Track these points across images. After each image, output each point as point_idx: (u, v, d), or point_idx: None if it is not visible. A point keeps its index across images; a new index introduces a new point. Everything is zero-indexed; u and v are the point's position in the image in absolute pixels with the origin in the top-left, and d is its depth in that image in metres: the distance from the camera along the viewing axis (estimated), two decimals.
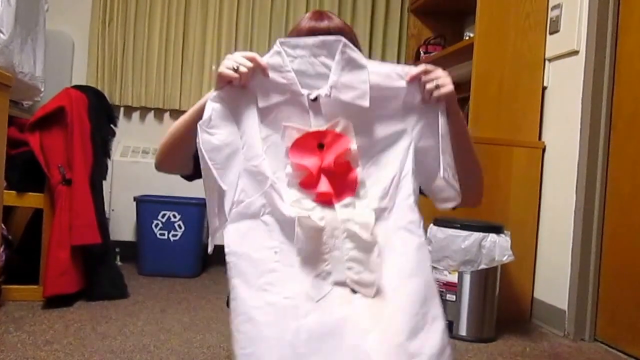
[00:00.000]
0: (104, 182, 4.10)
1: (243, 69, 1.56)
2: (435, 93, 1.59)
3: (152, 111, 5.45)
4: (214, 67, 5.33)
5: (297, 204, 1.54)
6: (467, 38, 4.60)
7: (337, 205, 1.54)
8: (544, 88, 4.08)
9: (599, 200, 3.63)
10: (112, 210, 4.98)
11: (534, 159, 4.01)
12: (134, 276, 4.53)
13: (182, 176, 2.00)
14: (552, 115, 4.03)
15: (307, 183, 1.56)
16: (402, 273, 1.52)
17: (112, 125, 4.24)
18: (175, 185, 4.78)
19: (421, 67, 1.60)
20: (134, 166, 5.02)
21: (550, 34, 4.04)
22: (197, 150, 1.56)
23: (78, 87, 4.01)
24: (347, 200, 1.55)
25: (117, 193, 5.00)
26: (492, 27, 4.05)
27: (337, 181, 1.55)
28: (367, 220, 1.52)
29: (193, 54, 5.37)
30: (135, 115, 5.43)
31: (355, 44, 1.72)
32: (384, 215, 1.56)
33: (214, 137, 1.54)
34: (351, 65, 1.56)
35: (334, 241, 1.51)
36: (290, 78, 1.56)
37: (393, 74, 1.60)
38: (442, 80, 1.60)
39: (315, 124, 1.57)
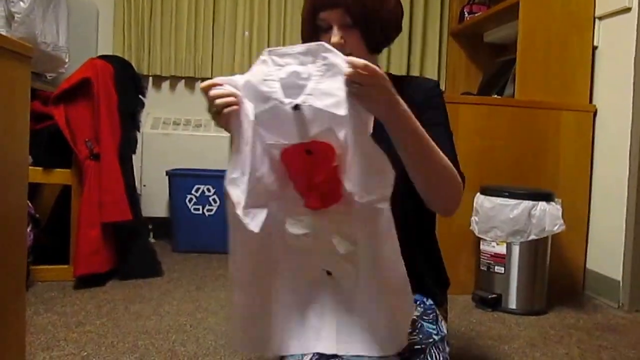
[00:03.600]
0: (133, 156, 4.02)
1: (229, 109, 1.49)
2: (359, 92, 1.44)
3: (183, 80, 5.30)
4: (246, 33, 5.19)
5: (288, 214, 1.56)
6: None
7: (324, 213, 1.53)
8: (594, 48, 3.94)
9: None
10: (144, 185, 4.90)
11: (585, 123, 3.88)
12: (168, 253, 4.49)
13: None
14: (603, 76, 3.89)
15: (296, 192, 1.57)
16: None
17: (140, 96, 4.14)
18: (208, 158, 4.77)
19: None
20: (164, 139, 4.93)
21: None
22: None
23: (104, 57, 3.92)
24: (335, 207, 1.53)
25: (148, 167, 4.90)
26: None
27: (325, 193, 1.53)
28: (350, 231, 1.53)
29: (224, 18, 5.20)
30: (165, 84, 5.30)
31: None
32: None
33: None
34: (332, 71, 1.45)
35: (323, 246, 1.55)
36: (274, 87, 1.49)
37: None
38: (371, 80, 1.42)
39: (300, 133, 1.49)
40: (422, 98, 1.81)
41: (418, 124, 1.54)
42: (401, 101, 1.48)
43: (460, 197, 1.74)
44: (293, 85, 1.47)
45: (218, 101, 1.48)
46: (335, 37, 1.71)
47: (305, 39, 1.78)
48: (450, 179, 1.68)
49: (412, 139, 1.55)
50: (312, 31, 1.78)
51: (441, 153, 1.62)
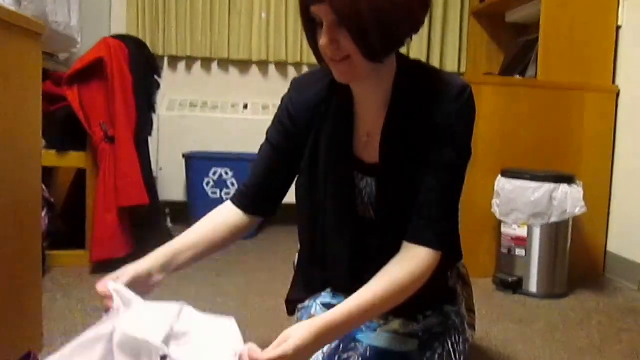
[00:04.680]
0: (149, 138, 3.99)
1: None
2: None
3: (199, 61, 5.26)
4: (263, 15, 5.15)
5: None
6: None
7: None
8: (618, 27, 3.88)
9: None
10: (160, 168, 4.86)
11: (608, 104, 3.83)
12: None
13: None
14: (627, 57, 3.83)
15: None
16: None
17: (156, 77, 4.09)
18: (226, 140, 4.75)
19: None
20: (181, 121, 4.90)
21: None
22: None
23: (117, 37, 3.86)
24: None
25: (165, 150, 4.87)
26: None
27: None
28: None
29: None
30: (181, 65, 5.26)
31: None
32: None
33: None
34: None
35: None
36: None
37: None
38: None
39: None
40: (440, 116, 1.58)
41: (353, 320, 1.46)
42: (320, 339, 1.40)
43: (424, 280, 1.56)
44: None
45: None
46: (323, 39, 1.45)
47: (305, 32, 1.58)
48: (411, 289, 1.55)
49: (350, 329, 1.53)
50: (308, 26, 1.54)
51: (390, 293, 1.50)
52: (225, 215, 1.78)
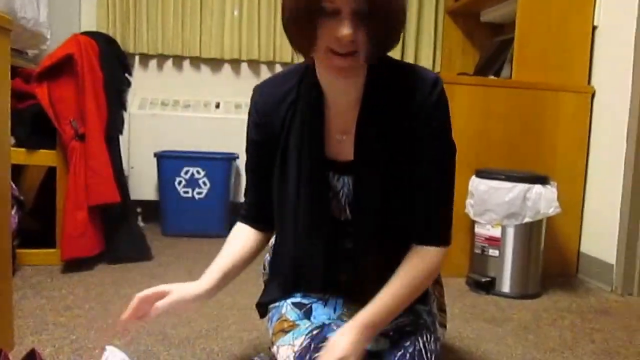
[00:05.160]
0: (120, 137, 3.95)
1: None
2: None
3: (171, 59, 5.23)
4: (236, 12, 5.13)
5: None
6: None
7: None
8: (594, 27, 3.88)
9: None
10: (131, 167, 4.84)
11: (583, 104, 3.83)
12: (157, 237, 4.45)
13: None
14: (603, 57, 3.83)
15: None
16: None
17: (126, 75, 4.06)
18: (198, 139, 4.74)
19: None
20: (153, 119, 4.86)
21: None
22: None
23: (88, 34, 3.83)
24: None
25: (136, 149, 4.84)
26: None
27: None
28: None
29: None
30: (152, 63, 5.22)
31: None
32: None
33: None
34: None
35: None
36: None
37: None
38: None
39: None
40: (416, 111, 1.59)
41: (384, 315, 1.60)
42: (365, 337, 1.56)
43: (437, 272, 1.77)
44: None
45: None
46: (346, 28, 1.39)
47: (297, 26, 1.48)
48: (427, 285, 1.74)
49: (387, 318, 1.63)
50: (309, 15, 1.42)
51: (413, 285, 1.65)
52: (247, 234, 1.88)
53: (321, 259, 1.72)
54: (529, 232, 3.36)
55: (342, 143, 1.66)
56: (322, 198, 1.69)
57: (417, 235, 1.67)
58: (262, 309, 1.91)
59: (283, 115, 1.69)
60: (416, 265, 1.64)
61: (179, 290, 1.72)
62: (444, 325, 1.91)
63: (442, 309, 1.94)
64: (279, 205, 1.76)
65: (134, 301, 1.65)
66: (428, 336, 1.72)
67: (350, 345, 1.49)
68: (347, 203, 1.70)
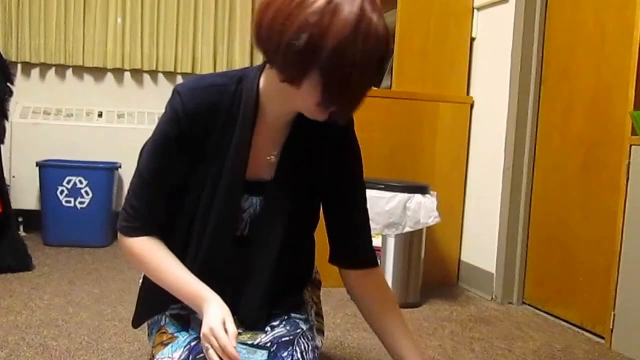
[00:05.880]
0: (2, 146, 3.90)
1: None
2: None
3: (53, 68, 5.15)
4: (119, 20, 5.09)
5: None
6: None
7: None
8: (472, 39, 3.96)
9: (528, 159, 3.58)
10: (13, 176, 4.75)
11: (462, 115, 3.91)
12: (38, 247, 4.40)
13: None
14: (481, 68, 3.91)
15: None
16: None
17: (8, 84, 3.99)
18: (81, 148, 4.68)
19: None
20: (35, 128, 4.80)
21: None
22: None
23: None
24: None
25: (18, 158, 4.76)
26: None
27: None
28: None
29: (96, 3, 5.07)
30: (35, 72, 5.15)
31: None
32: None
33: None
34: None
35: None
36: None
37: None
38: None
39: None
40: (337, 135, 1.69)
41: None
42: None
43: None
44: None
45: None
46: (323, 115, 1.49)
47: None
48: None
49: None
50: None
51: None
52: (162, 244, 1.67)
53: (227, 275, 1.67)
54: (409, 242, 3.39)
55: (264, 162, 1.65)
56: (230, 219, 1.65)
57: (364, 256, 1.85)
58: (138, 322, 1.85)
59: (213, 124, 1.59)
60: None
61: (227, 310, 1.53)
62: (322, 332, 1.92)
63: (319, 314, 1.95)
64: (181, 214, 1.66)
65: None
66: (306, 345, 1.71)
67: None
68: (248, 222, 1.68)
